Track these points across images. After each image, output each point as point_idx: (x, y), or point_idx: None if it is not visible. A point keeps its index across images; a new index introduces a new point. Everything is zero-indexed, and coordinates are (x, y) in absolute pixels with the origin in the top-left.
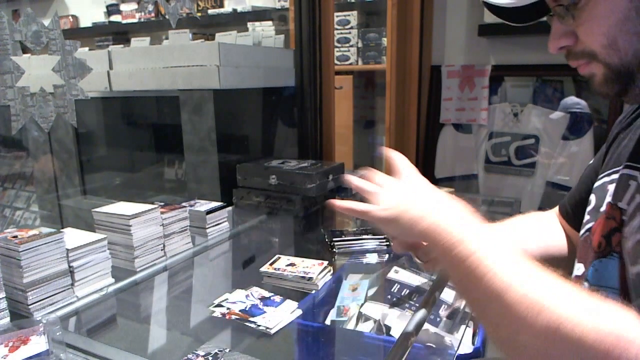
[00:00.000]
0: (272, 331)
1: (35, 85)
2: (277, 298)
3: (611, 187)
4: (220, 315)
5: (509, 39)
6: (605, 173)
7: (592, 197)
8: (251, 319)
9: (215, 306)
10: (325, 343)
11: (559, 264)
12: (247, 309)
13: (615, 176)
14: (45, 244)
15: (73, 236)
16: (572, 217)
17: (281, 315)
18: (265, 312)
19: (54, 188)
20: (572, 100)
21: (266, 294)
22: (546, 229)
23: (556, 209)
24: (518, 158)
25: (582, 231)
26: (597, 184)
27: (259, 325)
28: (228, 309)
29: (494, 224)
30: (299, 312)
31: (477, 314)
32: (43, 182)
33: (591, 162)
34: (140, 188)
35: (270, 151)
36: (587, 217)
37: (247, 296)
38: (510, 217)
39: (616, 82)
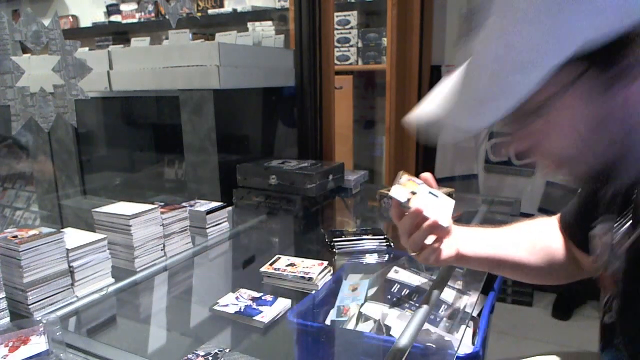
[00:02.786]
0: (264, 324)
1: (35, 85)
2: (269, 297)
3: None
4: (219, 315)
5: None
6: None
7: None
8: (250, 319)
9: (214, 305)
10: (325, 343)
11: (565, 270)
12: (241, 310)
13: None
14: (45, 244)
15: (73, 236)
16: (574, 229)
17: (278, 312)
18: (261, 311)
19: (54, 188)
20: None
21: (255, 294)
22: (549, 233)
23: (558, 216)
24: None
25: None
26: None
27: (253, 319)
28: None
29: (499, 225)
30: (289, 305)
31: None
32: (43, 182)
33: None
34: (140, 188)
35: (270, 151)
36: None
37: (237, 298)
38: (511, 217)
39: (588, 182)
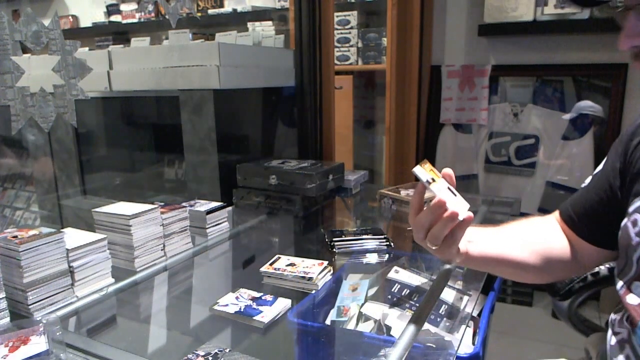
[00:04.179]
0: (264, 324)
1: (35, 85)
2: (269, 297)
3: None
4: (219, 315)
5: (509, 39)
6: None
7: (638, 217)
8: (250, 319)
9: (214, 305)
10: (325, 343)
11: (563, 267)
12: (241, 310)
13: None
14: (45, 244)
15: (73, 236)
16: (578, 225)
17: (278, 312)
18: (261, 311)
19: (54, 188)
20: (586, 103)
21: (255, 294)
22: (547, 232)
23: (556, 213)
24: (518, 158)
25: (636, 254)
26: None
27: (253, 319)
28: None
29: (497, 225)
30: (289, 305)
31: None
32: (43, 182)
33: (598, 170)
34: (140, 188)
35: (270, 151)
36: (636, 238)
37: (237, 298)
38: (511, 217)
39: None
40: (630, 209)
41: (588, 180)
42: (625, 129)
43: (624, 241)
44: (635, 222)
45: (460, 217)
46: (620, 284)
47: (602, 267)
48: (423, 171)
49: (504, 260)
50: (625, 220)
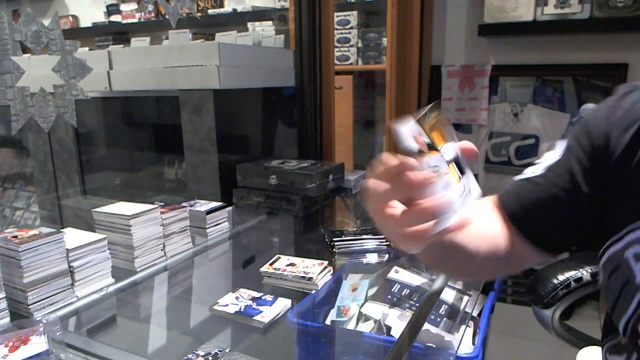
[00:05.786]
0: (264, 324)
1: (35, 85)
2: (269, 297)
3: None
4: (219, 315)
5: (509, 39)
6: None
7: None
8: (250, 319)
9: (214, 305)
10: (325, 343)
11: (497, 264)
12: (241, 310)
13: None
14: (45, 244)
15: (73, 236)
16: (524, 222)
17: (278, 312)
18: (261, 311)
19: (54, 188)
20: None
21: (255, 294)
22: (494, 221)
23: (491, 204)
24: (518, 158)
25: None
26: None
27: (253, 319)
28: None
29: None
30: (289, 305)
31: None
32: (43, 182)
33: (554, 162)
34: (140, 188)
35: (270, 151)
36: None
37: (237, 298)
38: None
39: None
40: (630, 237)
41: (539, 170)
42: (597, 125)
43: (620, 276)
44: (638, 255)
45: (444, 225)
46: (621, 323)
47: (584, 272)
48: (412, 130)
49: (457, 248)
50: (617, 246)
